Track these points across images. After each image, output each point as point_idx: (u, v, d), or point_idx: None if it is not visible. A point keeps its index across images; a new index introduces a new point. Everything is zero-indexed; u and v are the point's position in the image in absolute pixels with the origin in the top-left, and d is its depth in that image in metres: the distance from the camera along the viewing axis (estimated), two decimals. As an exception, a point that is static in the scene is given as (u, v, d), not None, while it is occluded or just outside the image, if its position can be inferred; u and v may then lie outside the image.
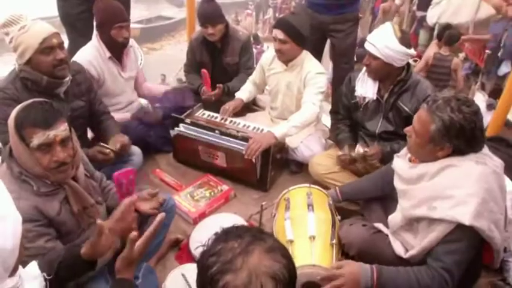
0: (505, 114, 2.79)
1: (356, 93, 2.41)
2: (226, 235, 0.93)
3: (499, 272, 2.05)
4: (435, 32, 5.62)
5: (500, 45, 4.83)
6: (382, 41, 2.16)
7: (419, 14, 7.43)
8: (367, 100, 2.39)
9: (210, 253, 0.89)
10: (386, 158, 2.33)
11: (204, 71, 2.95)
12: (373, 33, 2.25)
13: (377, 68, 2.24)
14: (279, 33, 2.54)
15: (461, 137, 1.53)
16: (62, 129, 1.47)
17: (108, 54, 2.60)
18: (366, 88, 2.37)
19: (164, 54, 11.58)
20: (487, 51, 5.14)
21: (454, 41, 4.93)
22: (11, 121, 1.47)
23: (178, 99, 3.04)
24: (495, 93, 4.80)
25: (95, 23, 2.59)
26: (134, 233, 1.27)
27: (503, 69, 4.86)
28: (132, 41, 2.84)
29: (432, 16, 6.03)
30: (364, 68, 2.36)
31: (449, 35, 4.93)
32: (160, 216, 1.30)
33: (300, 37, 2.54)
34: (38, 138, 1.42)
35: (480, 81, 5.52)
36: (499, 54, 4.86)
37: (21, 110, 1.47)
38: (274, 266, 0.86)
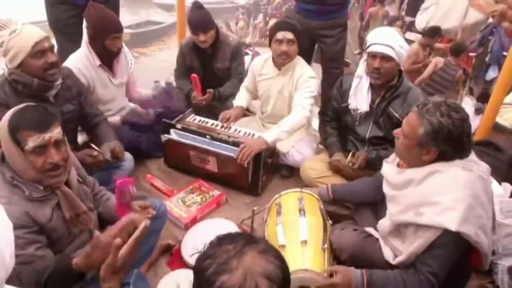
0: (493, 118, 2.83)
1: (350, 107, 2.42)
2: (220, 240, 0.95)
3: (488, 274, 2.07)
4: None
5: (487, 50, 4.92)
6: (396, 41, 2.17)
7: (408, 19, 7.55)
8: (359, 111, 2.39)
9: (206, 256, 0.91)
10: (371, 165, 2.36)
11: (193, 75, 2.93)
12: (379, 35, 2.22)
13: (389, 70, 2.22)
14: (288, 34, 2.55)
15: (449, 142, 1.55)
16: (56, 131, 1.48)
17: (98, 62, 2.57)
18: (359, 100, 2.38)
19: (154, 59, 11.55)
20: (470, 53, 5.24)
21: (460, 51, 5.02)
22: (3, 125, 1.46)
23: (167, 99, 3.03)
24: (483, 98, 4.88)
25: (85, 31, 2.56)
26: (118, 240, 1.23)
27: (491, 74, 4.95)
28: (123, 46, 2.82)
29: (421, 21, 6.13)
30: (357, 80, 2.36)
31: (456, 45, 5.05)
32: (144, 223, 1.27)
33: (301, 37, 2.60)
34: (33, 141, 1.43)
35: (468, 86, 5.60)
36: (487, 59, 4.95)
37: (15, 113, 1.47)
38: (268, 266, 0.87)
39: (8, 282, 1.06)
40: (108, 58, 2.61)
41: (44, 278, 1.34)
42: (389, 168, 1.83)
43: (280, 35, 2.58)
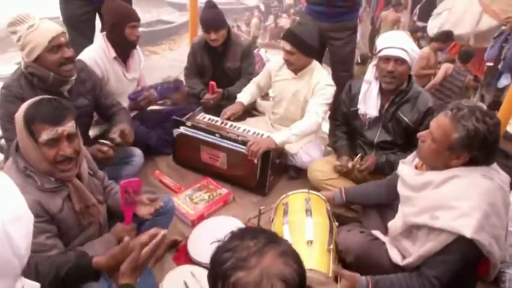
0: (505, 126, 2.80)
1: (359, 112, 2.42)
2: (242, 234, 0.96)
3: (495, 283, 2.06)
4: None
5: (500, 58, 4.89)
6: (409, 44, 2.17)
7: (420, 24, 7.51)
8: (369, 117, 2.40)
9: (225, 249, 0.92)
10: (380, 168, 2.36)
11: (211, 83, 3.00)
12: (391, 39, 2.22)
13: (402, 73, 2.21)
14: (286, 45, 2.56)
15: (483, 148, 1.51)
16: (69, 125, 1.51)
17: (113, 54, 2.61)
18: (368, 105, 2.37)
19: (165, 58, 11.61)
20: (487, 63, 5.19)
21: (469, 58, 4.99)
22: (19, 116, 1.49)
23: (172, 86, 3.09)
24: (494, 105, 4.85)
25: (98, 26, 2.60)
26: (144, 238, 1.33)
27: (503, 81, 4.91)
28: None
29: (433, 27, 6.09)
30: (366, 85, 2.36)
31: (465, 52, 5.02)
32: (162, 233, 1.35)
33: (307, 47, 2.55)
34: (46, 134, 1.46)
35: (479, 93, 5.57)
36: (499, 66, 4.91)
37: (31, 106, 1.50)
38: (285, 269, 0.88)
39: (26, 274, 1.08)
40: (125, 50, 2.65)
41: (62, 272, 1.37)
42: (407, 169, 1.82)
43: (282, 43, 2.64)
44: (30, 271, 1.33)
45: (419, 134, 1.70)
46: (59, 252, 1.52)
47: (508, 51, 4.80)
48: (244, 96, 2.95)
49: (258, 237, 0.93)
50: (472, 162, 1.56)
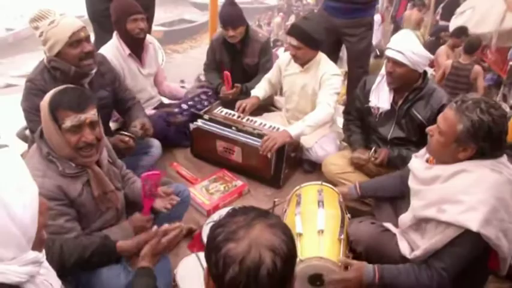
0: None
1: (371, 104, 2.43)
2: (234, 211, 1.00)
3: (508, 278, 2.04)
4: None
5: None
6: (409, 47, 2.17)
7: (442, 23, 7.40)
8: (381, 110, 2.40)
9: (218, 225, 0.97)
10: (392, 162, 2.37)
11: (226, 72, 3.02)
12: (395, 40, 2.24)
13: (401, 75, 2.22)
14: (292, 40, 2.60)
15: (488, 139, 1.52)
16: (92, 113, 1.58)
17: (127, 51, 2.68)
18: (380, 98, 2.38)
19: (186, 56, 11.77)
20: (511, 63, 5.08)
21: (474, 49, 4.86)
22: (45, 103, 1.57)
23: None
24: (518, 105, 4.76)
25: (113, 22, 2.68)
26: (166, 226, 1.48)
27: (527, 81, 4.82)
28: (152, 39, 2.93)
29: (455, 26, 5.98)
30: (380, 78, 2.37)
31: (468, 42, 4.88)
32: (181, 228, 1.55)
33: (313, 41, 2.58)
34: (70, 120, 1.53)
35: (502, 93, 5.46)
36: (524, 66, 4.82)
37: (56, 93, 1.58)
38: (274, 240, 0.91)
39: (49, 252, 1.15)
40: (134, 45, 2.70)
41: (87, 254, 1.47)
42: (417, 162, 1.83)
43: (288, 38, 2.66)
44: (54, 250, 1.41)
45: (428, 129, 1.71)
46: (78, 234, 1.60)
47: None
48: (258, 91, 2.98)
49: (248, 213, 0.97)
50: (480, 154, 1.56)
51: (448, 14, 7.09)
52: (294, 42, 2.59)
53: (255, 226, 0.93)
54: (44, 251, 1.09)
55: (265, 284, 0.87)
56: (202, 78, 4.72)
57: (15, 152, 1.04)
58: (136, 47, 2.73)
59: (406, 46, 2.16)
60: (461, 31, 5.42)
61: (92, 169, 1.67)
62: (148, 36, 2.81)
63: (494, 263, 1.67)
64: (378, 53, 6.44)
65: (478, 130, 1.51)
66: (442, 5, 7.84)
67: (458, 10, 6.36)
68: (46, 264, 1.16)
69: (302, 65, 2.72)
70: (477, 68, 4.81)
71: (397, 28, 8.17)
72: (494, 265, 1.69)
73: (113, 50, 2.66)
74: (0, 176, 0.95)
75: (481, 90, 4.85)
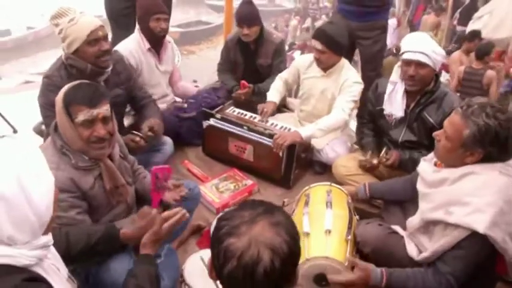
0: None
1: (385, 112, 2.42)
2: (242, 205, 1.01)
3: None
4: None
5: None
6: (430, 47, 2.16)
7: (459, 29, 7.31)
8: (394, 118, 2.39)
9: (224, 218, 0.98)
10: (403, 165, 2.36)
11: (243, 82, 3.10)
12: (412, 43, 2.22)
13: (423, 77, 2.20)
14: (317, 44, 2.60)
15: (496, 144, 1.51)
16: (104, 108, 1.62)
17: (147, 45, 2.75)
18: (394, 106, 2.37)
19: (202, 57, 11.86)
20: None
21: (484, 54, 4.78)
22: (59, 98, 1.61)
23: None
24: (533, 112, 4.66)
25: (137, 17, 2.75)
26: (166, 213, 1.48)
27: (543, 87, 4.74)
28: (170, 39, 2.99)
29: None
30: (391, 86, 2.35)
31: (479, 47, 4.81)
32: (181, 213, 1.55)
33: (337, 46, 2.59)
34: (83, 115, 1.57)
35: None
36: (540, 71, 4.74)
37: (70, 88, 1.62)
38: (275, 238, 0.91)
39: (56, 241, 1.18)
40: (155, 41, 2.77)
41: (92, 241, 1.49)
42: (426, 165, 1.83)
43: (313, 42, 2.66)
44: (61, 239, 1.44)
45: (434, 134, 1.70)
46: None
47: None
48: (274, 94, 2.99)
49: (256, 208, 0.98)
50: (487, 159, 1.56)
51: (465, 19, 7.01)
52: (319, 46, 2.59)
53: (258, 223, 0.93)
54: (50, 234, 1.11)
55: (261, 281, 0.89)
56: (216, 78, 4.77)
57: (30, 140, 1.08)
58: (156, 43, 2.80)
59: (427, 46, 2.15)
60: (474, 34, 5.35)
61: (104, 163, 1.70)
62: (167, 36, 2.88)
63: (501, 267, 1.66)
64: (395, 51, 6.35)
65: (484, 135, 1.50)
66: (459, 10, 7.75)
67: (476, 15, 6.29)
68: (53, 249, 1.19)
69: (325, 69, 2.72)
70: (490, 72, 4.71)
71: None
72: (502, 270, 1.68)
73: (134, 43, 2.74)
74: (20, 162, 0.98)
75: (494, 97, 4.77)
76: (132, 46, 2.71)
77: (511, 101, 5.49)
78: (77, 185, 1.62)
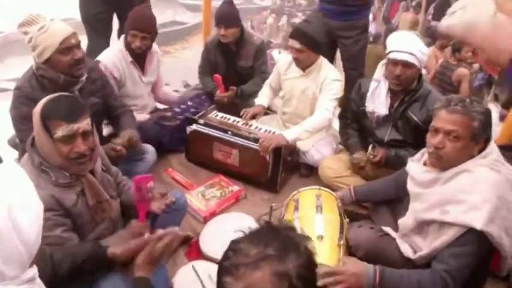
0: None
1: (367, 109, 2.42)
2: (256, 236, 0.91)
3: (505, 279, 2.04)
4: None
5: (514, 57, 4.81)
6: (417, 47, 2.16)
7: (434, 24, 7.42)
8: (377, 115, 2.39)
9: (232, 247, 0.90)
10: (390, 163, 2.36)
11: (216, 76, 3.02)
12: (399, 42, 2.21)
13: (409, 77, 2.22)
14: (295, 43, 2.57)
15: (490, 126, 1.61)
16: (85, 122, 1.54)
17: (130, 58, 2.67)
18: (377, 104, 2.37)
19: (178, 58, 11.71)
20: (503, 63, 5.10)
21: (457, 50, 4.87)
22: (36, 112, 1.52)
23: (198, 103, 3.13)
24: (508, 105, 4.76)
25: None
26: (160, 232, 1.41)
27: (517, 80, 4.84)
28: (156, 49, 2.92)
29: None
30: (375, 83, 2.36)
31: (454, 44, 4.92)
32: (175, 234, 1.49)
33: (316, 44, 2.57)
34: (62, 131, 1.49)
35: (493, 93, 5.48)
36: (513, 65, 4.84)
37: (48, 102, 1.53)
38: None
39: (40, 262, 1.11)
40: (135, 56, 2.68)
41: (78, 262, 1.41)
42: (415, 166, 1.83)
43: (290, 42, 2.63)
44: (46, 262, 1.36)
45: (437, 142, 1.63)
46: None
47: (522, 50, 4.73)
48: (262, 99, 2.97)
49: (268, 245, 0.86)
50: (486, 143, 1.62)
51: (439, 14, 7.11)
52: (297, 45, 2.57)
53: (259, 269, 0.83)
54: (35, 266, 1.05)
55: None
56: (190, 83, 4.72)
57: (17, 166, 1.01)
58: (137, 56, 2.70)
59: (414, 47, 2.16)
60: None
61: (85, 178, 1.63)
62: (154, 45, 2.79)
63: (495, 263, 1.68)
64: (371, 39, 6.41)
65: (487, 119, 1.58)
66: (433, 5, 7.86)
67: (450, 10, 6.38)
68: (39, 280, 1.12)
69: (303, 68, 2.70)
70: (461, 70, 4.79)
71: (390, 30, 8.17)
72: (494, 265, 1.70)
73: (118, 54, 2.65)
74: (8, 191, 0.92)
75: (466, 93, 4.84)
76: (116, 57, 2.61)
77: (486, 94, 5.62)
78: (60, 203, 1.55)
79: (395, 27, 7.93)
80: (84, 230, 1.66)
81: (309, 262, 0.89)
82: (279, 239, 0.88)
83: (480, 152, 1.62)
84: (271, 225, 0.93)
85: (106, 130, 2.65)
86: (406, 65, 2.17)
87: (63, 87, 2.03)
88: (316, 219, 1.91)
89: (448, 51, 5.00)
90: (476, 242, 1.52)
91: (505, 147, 2.58)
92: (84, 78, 2.13)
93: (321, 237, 1.81)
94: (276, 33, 14.00)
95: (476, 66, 5.79)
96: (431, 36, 7.17)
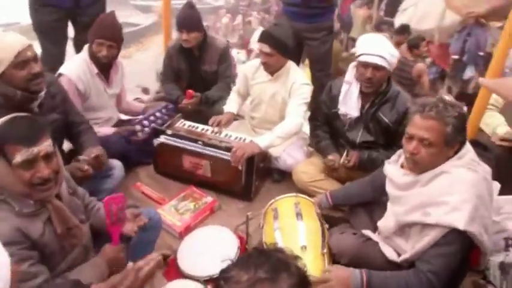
0: (480, 118, 2.85)
1: (340, 112, 2.42)
2: (244, 261, 0.89)
3: (480, 271, 2.10)
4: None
5: (464, 50, 5.04)
6: (387, 50, 2.18)
7: (386, 20, 7.63)
8: (349, 117, 2.40)
9: (223, 276, 0.87)
10: (363, 166, 2.38)
11: (189, 91, 2.96)
12: (368, 45, 2.23)
13: (380, 79, 2.24)
14: (264, 47, 2.52)
15: (464, 128, 1.62)
16: (46, 144, 1.41)
17: (95, 70, 2.54)
18: (349, 106, 2.38)
19: (133, 60, 11.37)
20: (453, 56, 5.33)
21: (414, 47, 5.06)
22: None
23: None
24: (461, 96, 4.98)
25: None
26: (140, 263, 1.35)
27: (468, 73, 5.10)
28: (120, 60, 2.79)
29: (400, 23, 6.18)
30: (346, 86, 2.36)
31: (409, 40, 5.15)
32: (158, 258, 1.44)
33: (285, 48, 2.53)
34: (21, 156, 1.36)
35: (447, 85, 5.72)
36: (464, 59, 5.08)
37: (2, 125, 1.39)
38: None
39: None
40: (101, 67, 2.56)
41: None
42: (392, 168, 1.84)
43: (259, 45, 2.59)
44: None
45: (412, 148, 1.64)
46: (47, 278, 1.43)
47: (471, 44, 4.96)
48: (231, 105, 2.90)
49: (259, 268, 0.85)
50: (461, 144, 1.64)
51: (391, 11, 7.33)
52: (267, 49, 2.51)
53: None
54: None
55: None
56: (146, 86, 4.57)
57: None
58: (103, 68, 2.58)
59: (385, 50, 2.18)
60: (404, 28, 5.65)
61: (51, 204, 1.49)
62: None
63: (474, 259, 1.72)
64: None
65: (461, 123, 1.59)
66: (385, 2, 8.08)
67: (401, 7, 6.58)
68: None
69: (272, 73, 2.65)
70: (420, 65, 4.97)
71: (344, 26, 8.31)
72: (474, 262, 1.74)
73: (83, 65, 2.52)
74: None
75: (426, 87, 5.04)
76: (80, 70, 2.47)
77: (441, 87, 5.85)
78: (25, 235, 1.41)
79: (351, 23, 8.11)
80: (54, 260, 1.53)
81: (302, 280, 0.89)
82: (268, 262, 0.87)
83: (456, 153, 1.64)
84: (258, 250, 0.93)
85: (66, 145, 2.49)
86: (377, 67, 2.18)
87: (21, 104, 1.88)
88: (299, 228, 1.88)
89: (403, 48, 5.15)
90: (458, 241, 1.55)
91: (471, 142, 2.68)
92: (43, 93, 1.98)
93: (304, 248, 1.78)
94: (231, 33, 13.92)
95: (428, 60, 6.03)
96: (377, 28, 7.38)
